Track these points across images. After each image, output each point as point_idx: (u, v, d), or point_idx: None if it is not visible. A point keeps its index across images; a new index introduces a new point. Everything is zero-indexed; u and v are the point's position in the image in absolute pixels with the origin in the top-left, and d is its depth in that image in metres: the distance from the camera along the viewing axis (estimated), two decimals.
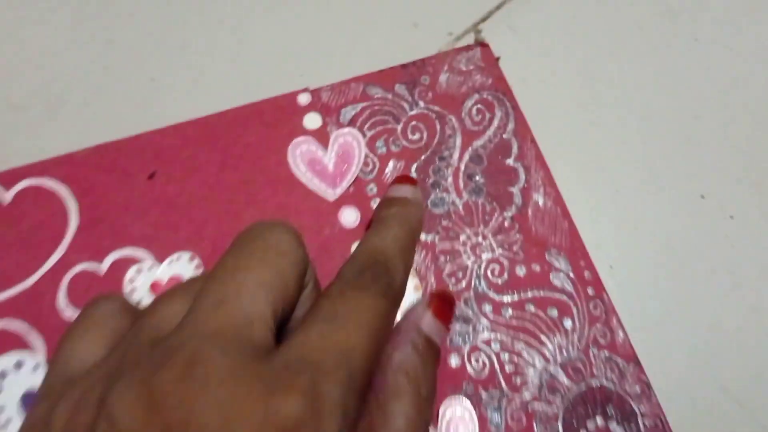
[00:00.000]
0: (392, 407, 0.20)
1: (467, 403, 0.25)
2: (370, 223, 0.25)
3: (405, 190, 0.26)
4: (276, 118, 0.28)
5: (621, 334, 0.27)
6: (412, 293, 0.27)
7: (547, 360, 0.26)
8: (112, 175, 0.27)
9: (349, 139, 0.28)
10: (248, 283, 0.17)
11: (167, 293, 0.18)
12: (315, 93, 0.29)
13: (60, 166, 0.27)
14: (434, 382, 0.22)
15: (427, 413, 0.21)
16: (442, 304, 0.24)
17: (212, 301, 0.16)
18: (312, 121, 0.28)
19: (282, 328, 0.19)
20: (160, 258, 0.26)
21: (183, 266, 0.26)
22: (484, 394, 0.26)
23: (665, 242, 0.29)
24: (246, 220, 0.27)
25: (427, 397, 0.21)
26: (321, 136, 0.28)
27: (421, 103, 0.30)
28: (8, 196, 0.26)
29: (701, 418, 0.26)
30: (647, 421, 0.26)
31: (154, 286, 0.26)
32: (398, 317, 0.22)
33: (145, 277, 0.26)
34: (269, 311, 0.17)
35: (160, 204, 0.27)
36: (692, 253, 0.29)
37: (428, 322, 0.23)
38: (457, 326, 0.27)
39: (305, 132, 0.28)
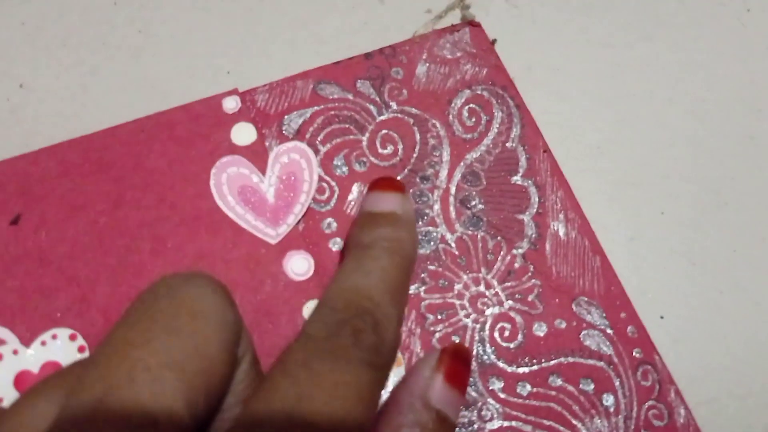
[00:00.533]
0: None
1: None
2: (343, 253, 0.20)
3: (391, 201, 0.21)
4: (193, 131, 0.22)
5: (683, 411, 0.20)
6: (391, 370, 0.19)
7: None
8: None
9: (295, 158, 0.21)
10: (148, 362, 0.13)
11: (33, 389, 0.14)
12: (246, 96, 0.22)
13: None
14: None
15: None
16: (456, 364, 0.19)
17: (92, 394, 0.12)
18: (243, 134, 0.22)
19: (208, 425, 0.15)
20: (28, 339, 0.19)
21: (60, 348, 0.19)
22: None
23: (733, 281, 0.22)
24: (153, 276, 0.19)
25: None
26: (256, 155, 0.21)
27: (394, 105, 0.23)
28: None
29: None
30: None
31: (19, 379, 0.19)
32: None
33: (7, 367, 0.19)
34: (182, 403, 0.12)
35: (27, 260, 0.19)
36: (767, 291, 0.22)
37: (439, 391, 0.18)
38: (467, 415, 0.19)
39: (234, 149, 0.21)
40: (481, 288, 0.22)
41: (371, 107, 0.24)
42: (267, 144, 0.23)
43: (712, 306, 0.23)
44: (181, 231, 0.21)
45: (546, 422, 0.21)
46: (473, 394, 0.21)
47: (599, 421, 0.21)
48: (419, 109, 0.24)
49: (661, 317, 0.23)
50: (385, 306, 0.17)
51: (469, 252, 0.23)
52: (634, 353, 0.22)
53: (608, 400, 0.21)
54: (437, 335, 0.21)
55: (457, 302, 0.22)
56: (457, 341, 0.21)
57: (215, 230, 0.21)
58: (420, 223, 0.23)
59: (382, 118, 0.24)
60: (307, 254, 0.21)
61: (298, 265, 0.21)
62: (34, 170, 0.21)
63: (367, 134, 0.24)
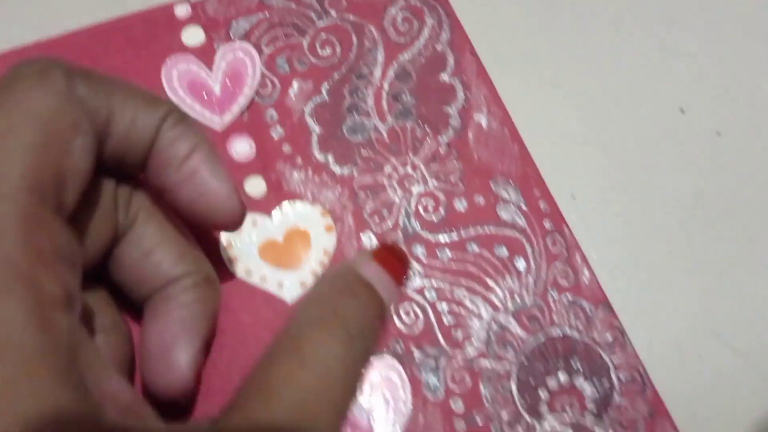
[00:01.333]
0: (309, 340, 0.17)
1: (396, 363, 0.21)
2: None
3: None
4: (147, 34, 0.24)
5: (587, 273, 0.23)
6: (323, 235, 0.22)
7: (495, 308, 0.22)
8: None
9: (240, 56, 0.24)
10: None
11: None
12: (197, 5, 0.25)
13: None
14: (373, 337, 0.19)
15: (358, 359, 0.17)
16: (390, 256, 0.20)
17: None
18: (193, 36, 0.24)
19: None
20: None
21: None
22: (417, 353, 0.21)
23: (639, 165, 0.25)
24: None
25: (361, 340, 0.18)
26: (204, 54, 0.24)
27: (333, 12, 0.26)
28: None
29: (689, 368, 0.22)
30: (622, 375, 0.22)
31: None
32: None
33: None
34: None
35: None
36: (672, 176, 0.25)
37: (369, 267, 0.19)
38: None
39: (184, 49, 0.24)
40: (409, 170, 0.25)
41: (312, 14, 0.26)
42: (215, 45, 0.25)
43: (619, 186, 0.26)
44: None
45: (463, 281, 0.23)
46: None
47: (511, 280, 0.23)
48: (357, 16, 0.27)
49: (573, 196, 0.25)
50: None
51: (399, 140, 0.25)
52: (544, 224, 0.24)
53: (520, 263, 0.24)
54: (367, 209, 0.24)
55: (387, 182, 0.24)
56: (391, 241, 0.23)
57: None
58: (355, 113, 0.25)
59: (322, 24, 0.26)
60: (249, 138, 0.24)
61: (242, 148, 0.24)
62: None
63: (308, 38, 0.26)
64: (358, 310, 0.19)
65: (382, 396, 0.21)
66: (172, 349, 0.19)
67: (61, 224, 0.15)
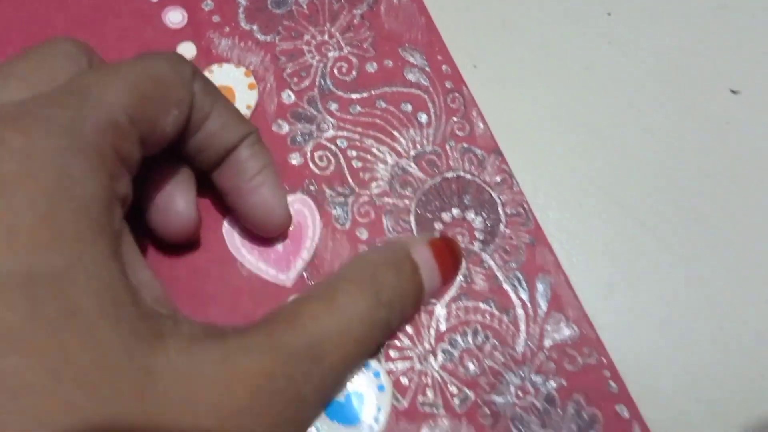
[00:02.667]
0: (343, 291, 0.19)
1: (307, 199, 0.24)
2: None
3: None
4: None
5: (481, 125, 0.26)
6: (246, 92, 0.25)
7: (399, 155, 0.25)
8: None
9: None
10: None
11: None
12: None
13: None
14: (401, 311, 0.21)
15: (379, 324, 0.20)
16: (446, 250, 0.22)
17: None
18: None
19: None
20: None
21: None
22: (328, 191, 0.24)
23: (539, 39, 0.28)
24: (56, 26, 0.25)
25: (388, 309, 0.20)
26: None
27: None
28: None
29: (568, 210, 0.25)
30: (509, 209, 0.24)
31: None
32: None
33: None
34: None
35: None
36: (567, 49, 0.28)
37: (422, 252, 0.22)
38: (299, 126, 0.25)
39: None
40: (326, 38, 0.27)
41: None
42: None
43: (519, 58, 0.28)
44: None
45: (371, 132, 0.26)
46: (313, 112, 0.26)
47: (414, 131, 0.26)
48: None
49: (475, 66, 0.28)
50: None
51: (318, 12, 0.28)
52: (446, 84, 0.27)
53: (422, 117, 0.26)
54: (287, 71, 0.27)
55: (305, 48, 0.27)
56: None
57: None
58: None
59: None
60: (183, 9, 0.27)
61: (175, 17, 0.26)
62: None
63: None
64: (395, 283, 0.20)
65: (295, 226, 0.24)
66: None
67: (135, 139, 0.18)
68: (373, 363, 0.22)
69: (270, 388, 0.17)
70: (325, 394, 0.20)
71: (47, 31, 0.25)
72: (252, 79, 0.26)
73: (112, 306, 0.15)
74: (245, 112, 0.25)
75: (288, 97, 0.26)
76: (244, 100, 0.25)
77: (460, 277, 0.24)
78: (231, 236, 0.23)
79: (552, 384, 0.23)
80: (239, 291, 0.23)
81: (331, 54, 0.26)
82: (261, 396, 0.17)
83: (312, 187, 0.25)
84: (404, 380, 0.23)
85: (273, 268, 0.23)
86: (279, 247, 0.23)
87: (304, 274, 0.23)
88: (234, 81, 0.25)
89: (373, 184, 0.25)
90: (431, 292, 0.22)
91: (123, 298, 0.15)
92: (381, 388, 0.22)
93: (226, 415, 0.16)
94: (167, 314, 0.17)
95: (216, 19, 0.26)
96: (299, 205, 0.24)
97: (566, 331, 0.24)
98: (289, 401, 0.17)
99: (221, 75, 0.25)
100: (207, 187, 0.22)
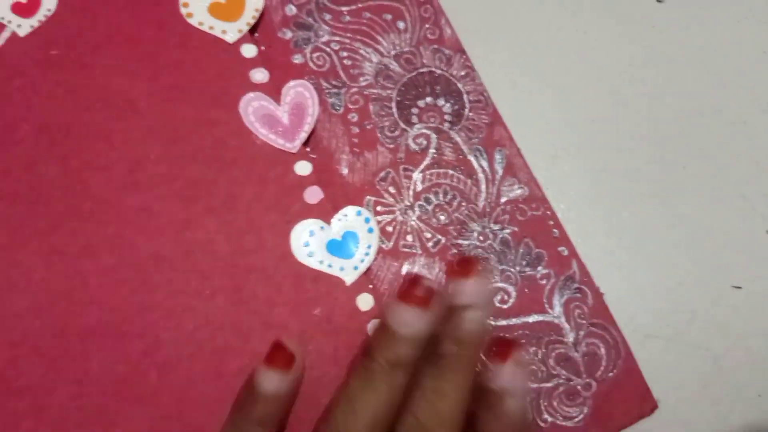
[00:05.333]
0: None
1: (307, 83, 0.28)
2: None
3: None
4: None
5: (449, 30, 0.30)
6: (254, 1, 0.29)
7: (382, 55, 0.29)
8: None
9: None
10: None
11: None
12: None
13: None
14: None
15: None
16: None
17: None
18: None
19: None
20: None
21: None
22: (324, 83, 0.29)
23: None
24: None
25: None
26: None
27: None
28: None
29: (522, 94, 0.30)
30: (472, 97, 0.29)
31: (14, 6, 0.27)
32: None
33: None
34: None
35: None
36: None
37: (505, 375, 0.22)
38: (300, 34, 0.29)
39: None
40: None
41: None
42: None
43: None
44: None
45: (359, 37, 0.30)
46: (311, 21, 0.30)
47: (394, 36, 0.31)
48: None
49: None
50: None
51: None
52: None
53: (401, 24, 0.31)
54: None
55: None
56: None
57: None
58: None
59: None
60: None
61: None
62: None
63: None
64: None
65: (300, 108, 0.29)
66: None
67: None
68: (363, 210, 0.27)
69: None
70: None
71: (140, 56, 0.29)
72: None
73: None
74: (254, 15, 0.29)
75: (290, 9, 0.30)
76: (253, 4, 0.29)
77: (432, 150, 0.29)
78: (246, 113, 0.28)
79: (507, 231, 0.28)
80: (255, 156, 0.27)
81: None
82: None
83: (311, 81, 0.29)
84: (389, 228, 0.27)
85: (281, 138, 0.27)
86: (285, 121, 0.28)
87: (306, 147, 0.28)
88: None
89: (361, 78, 0.29)
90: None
91: None
92: (370, 230, 0.27)
93: None
94: None
95: None
96: (301, 88, 0.28)
97: (518, 191, 0.28)
98: None
99: None
100: None
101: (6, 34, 0.27)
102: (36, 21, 0.28)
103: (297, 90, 0.28)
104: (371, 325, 0.25)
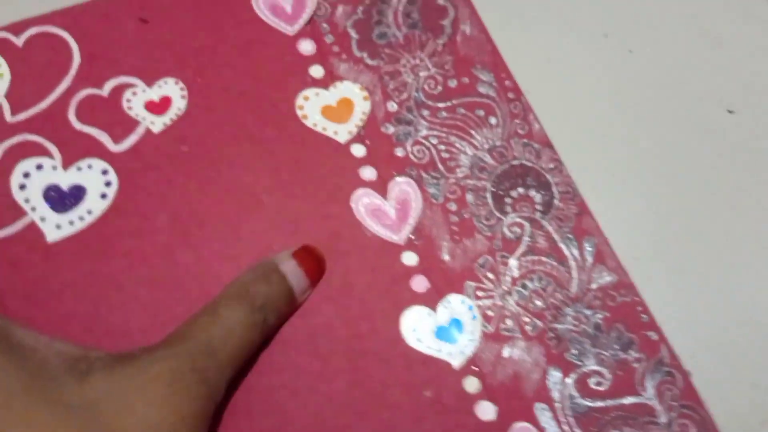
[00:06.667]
0: (224, 306, 0.24)
1: (410, 180, 0.30)
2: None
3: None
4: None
5: (537, 125, 0.32)
6: (362, 102, 0.32)
7: (476, 148, 0.32)
8: (106, 21, 0.31)
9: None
10: None
11: None
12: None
13: (61, 16, 0.31)
14: (275, 313, 0.26)
15: (255, 325, 0.24)
16: (308, 256, 0.27)
17: None
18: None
19: None
20: (150, 83, 0.31)
21: (170, 88, 0.31)
22: (425, 175, 0.31)
23: (581, 64, 0.34)
24: (220, 52, 0.32)
25: (262, 313, 0.25)
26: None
27: None
28: (20, 40, 0.31)
29: (608, 189, 0.32)
30: (560, 188, 0.31)
31: (148, 104, 0.31)
32: None
33: (140, 98, 0.31)
34: None
35: (148, 42, 0.31)
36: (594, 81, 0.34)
37: (288, 264, 0.27)
38: (401, 128, 0.32)
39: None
40: (417, 61, 0.34)
41: None
42: None
43: (563, 77, 0.35)
44: (228, 23, 0.33)
45: (455, 131, 0.32)
46: (411, 117, 0.33)
47: (486, 130, 0.33)
48: None
49: (528, 91, 0.35)
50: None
51: (411, 42, 0.34)
52: (509, 95, 0.33)
53: (492, 120, 0.33)
54: (390, 87, 0.34)
55: (402, 69, 0.34)
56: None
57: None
58: (381, 26, 0.35)
59: None
60: (312, 41, 0.34)
61: (306, 47, 0.34)
62: None
63: None
64: (266, 291, 0.25)
65: (405, 203, 0.31)
66: None
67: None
68: (467, 299, 0.29)
69: (181, 377, 0.21)
70: (224, 376, 0.23)
71: (214, 59, 0.32)
72: (366, 93, 0.32)
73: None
74: (362, 117, 0.32)
75: (392, 106, 0.32)
76: (361, 108, 0.32)
77: (526, 238, 0.31)
78: (357, 208, 0.30)
79: (599, 316, 0.29)
80: (366, 247, 0.29)
81: (422, 73, 0.33)
82: (175, 383, 0.21)
83: (413, 172, 0.31)
84: (489, 312, 0.29)
85: (389, 231, 0.30)
86: (392, 215, 0.30)
87: (411, 235, 0.30)
88: (352, 94, 0.32)
89: (458, 170, 0.32)
90: (302, 290, 0.27)
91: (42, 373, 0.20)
92: (474, 317, 0.29)
93: (155, 402, 0.20)
94: (80, 357, 0.21)
95: (335, 48, 0.33)
96: (405, 185, 0.31)
97: (607, 278, 0.30)
98: (198, 383, 0.21)
99: (343, 90, 0.32)
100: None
101: (141, 130, 0.30)
102: (168, 119, 0.30)
103: (402, 187, 0.30)
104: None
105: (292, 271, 0.26)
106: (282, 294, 0.26)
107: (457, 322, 0.28)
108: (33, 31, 0.31)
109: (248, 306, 0.24)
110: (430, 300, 0.28)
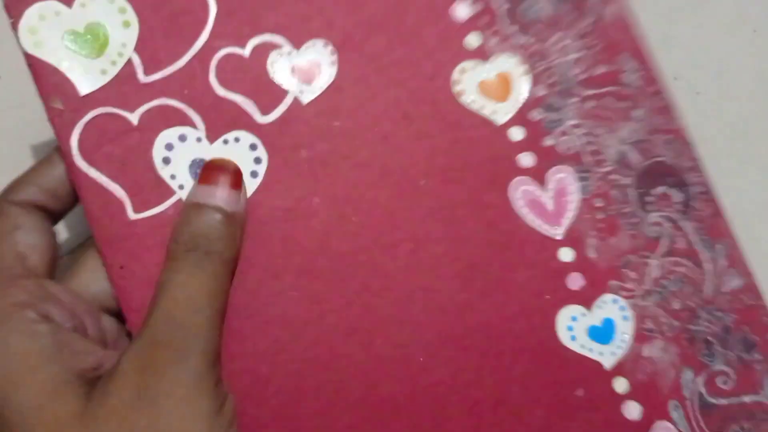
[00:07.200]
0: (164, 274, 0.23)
1: (571, 172, 0.30)
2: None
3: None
4: None
5: (677, 122, 0.32)
6: (519, 78, 0.30)
7: (621, 142, 0.31)
8: None
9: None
10: None
11: None
12: None
13: None
14: (222, 241, 0.24)
15: (196, 266, 0.23)
16: (210, 172, 0.25)
17: None
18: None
19: None
20: (297, 44, 0.28)
21: (319, 52, 0.28)
22: (572, 168, 0.30)
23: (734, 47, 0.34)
24: (371, 10, 0.28)
25: (195, 253, 0.23)
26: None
27: None
28: None
29: (746, 192, 0.32)
30: (698, 188, 0.31)
31: (295, 69, 0.27)
32: None
33: (285, 61, 0.27)
34: None
35: None
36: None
37: (196, 193, 0.25)
38: (550, 115, 0.30)
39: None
40: (567, 41, 0.33)
41: None
42: None
43: (716, 71, 0.35)
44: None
45: (602, 123, 0.32)
46: (560, 103, 0.31)
47: (631, 124, 0.32)
48: None
49: (675, 78, 0.34)
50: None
51: (561, 20, 0.33)
52: (651, 88, 0.33)
53: (636, 112, 0.33)
54: (536, 70, 0.32)
55: (551, 48, 0.32)
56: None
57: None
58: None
59: None
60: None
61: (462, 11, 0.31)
62: None
63: None
64: (189, 231, 0.23)
65: (562, 195, 0.30)
66: None
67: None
68: (619, 298, 0.29)
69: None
70: (213, 326, 0.23)
71: (365, 15, 0.29)
72: (526, 67, 0.30)
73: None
74: (521, 96, 0.30)
75: (540, 90, 0.31)
76: (520, 86, 0.29)
77: (666, 238, 0.31)
78: (514, 198, 0.29)
79: (728, 318, 0.31)
80: (524, 241, 0.28)
81: (570, 56, 0.31)
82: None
83: (562, 165, 0.30)
84: (633, 312, 0.30)
85: (546, 224, 0.29)
86: (550, 207, 0.29)
87: (567, 230, 0.29)
88: (511, 69, 0.29)
89: (604, 164, 0.31)
90: (229, 202, 0.24)
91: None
92: (625, 318, 0.29)
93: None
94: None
95: (485, 19, 0.30)
96: (563, 174, 0.29)
97: (738, 281, 0.31)
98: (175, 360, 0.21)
99: (502, 63, 0.29)
100: None
101: (289, 100, 0.27)
102: (317, 88, 0.27)
103: (560, 176, 0.29)
104: None
105: (203, 194, 0.24)
106: (208, 223, 0.24)
107: (609, 322, 0.28)
108: None
109: (185, 258, 0.23)
110: (585, 298, 0.28)
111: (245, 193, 0.25)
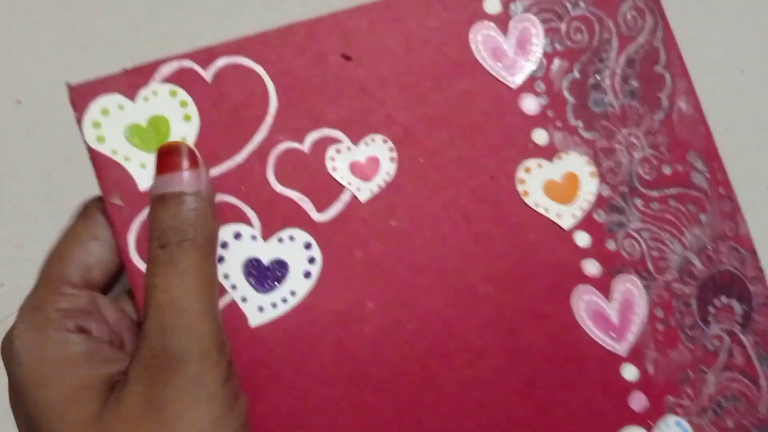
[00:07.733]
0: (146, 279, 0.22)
1: (638, 284, 0.28)
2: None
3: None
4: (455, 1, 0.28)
5: (744, 228, 0.30)
6: (587, 179, 0.28)
7: (685, 248, 0.29)
8: (305, 56, 0.26)
9: (528, 26, 0.28)
10: None
11: None
12: None
13: (253, 46, 0.26)
14: (192, 228, 0.23)
15: (189, 254, 0.22)
16: (161, 160, 0.24)
17: None
18: (492, 6, 0.28)
19: None
20: (355, 139, 0.26)
21: (378, 147, 0.27)
22: (635, 276, 0.28)
23: None
24: (434, 104, 0.27)
25: (169, 248, 0.22)
26: (501, 21, 0.28)
27: (582, 4, 0.30)
28: (209, 74, 0.25)
29: None
30: (759, 300, 0.30)
31: (353, 166, 0.26)
32: None
33: (345, 157, 0.26)
34: None
35: (352, 87, 0.26)
36: None
37: (153, 185, 0.24)
38: (613, 217, 0.29)
39: (486, 16, 0.28)
40: (633, 139, 0.31)
41: (567, 4, 0.31)
42: (510, 13, 0.29)
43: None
44: (450, 74, 0.29)
45: (666, 226, 0.30)
46: (624, 205, 0.30)
47: (696, 229, 0.31)
48: (599, 10, 0.32)
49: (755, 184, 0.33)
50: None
51: (627, 115, 0.31)
52: (720, 190, 0.31)
53: (703, 217, 0.31)
54: (603, 167, 0.30)
55: (618, 146, 0.30)
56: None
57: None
58: (597, 91, 0.31)
59: (575, 13, 0.31)
60: (537, 97, 0.29)
61: (530, 104, 0.29)
62: (352, 23, 0.26)
63: (564, 23, 0.31)
64: (158, 225, 0.23)
65: (628, 306, 0.29)
66: None
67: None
68: (683, 422, 0.28)
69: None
70: (211, 310, 0.23)
71: (426, 110, 0.27)
72: (594, 169, 0.28)
73: None
74: (588, 199, 0.28)
75: (605, 190, 0.29)
76: (587, 187, 0.28)
77: (724, 352, 0.29)
78: (577, 309, 0.27)
79: None
80: (585, 356, 0.27)
81: (636, 154, 0.30)
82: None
83: (627, 274, 0.29)
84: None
85: (610, 339, 0.27)
86: (615, 320, 0.28)
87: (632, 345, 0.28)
88: (578, 169, 0.28)
89: (667, 272, 0.29)
90: (191, 184, 0.23)
91: None
92: (685, 430, 0.28)
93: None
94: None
95: (550, 113, 0.29)
96: (630, 284, 0.28)
97: None
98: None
99: (569, 163, 0.28)
100: None
101: (346, 197, 0.26)
102: (375, 186, 0.26)
103: (626, 286, 0.28)
104: None
105: (163, 184, 0.23)
106: (172, 213, 0.23)
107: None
108: (222, 62, 0.25)
109: (161, 258, 0.22)
110: (647, 420, 0.27)
111: (205, 167, 0.24)
